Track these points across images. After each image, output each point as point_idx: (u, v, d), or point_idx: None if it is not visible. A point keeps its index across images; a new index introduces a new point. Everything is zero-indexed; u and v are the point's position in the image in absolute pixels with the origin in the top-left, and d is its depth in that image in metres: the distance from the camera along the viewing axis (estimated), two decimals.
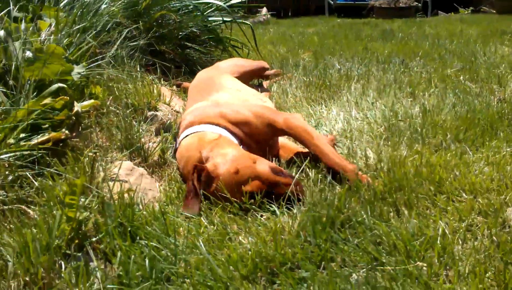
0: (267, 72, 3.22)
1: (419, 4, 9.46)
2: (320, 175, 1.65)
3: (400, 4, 9.10)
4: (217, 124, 1.74)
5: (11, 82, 1.70)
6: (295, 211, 1.42)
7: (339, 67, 3.43)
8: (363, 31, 6.10)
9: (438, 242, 1.21)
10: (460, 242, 1.24)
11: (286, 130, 1.76)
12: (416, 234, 1.26)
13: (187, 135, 1.74)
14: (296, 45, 4.94)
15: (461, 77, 2.93)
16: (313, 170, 1.70)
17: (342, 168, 1.61)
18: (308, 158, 1.75)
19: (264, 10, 9.03)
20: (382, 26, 6.52)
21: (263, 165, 1.53)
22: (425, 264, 1.14)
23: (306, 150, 1.82)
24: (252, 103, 2.00)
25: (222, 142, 1.64)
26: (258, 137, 1.78)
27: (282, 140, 1.98)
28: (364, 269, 1.17)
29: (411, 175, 1.53)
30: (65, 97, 1.57)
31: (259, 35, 5.16)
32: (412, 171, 1.56)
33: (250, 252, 1.23)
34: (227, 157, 1.55)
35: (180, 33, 3.22)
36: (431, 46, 4.34)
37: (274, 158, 1.80)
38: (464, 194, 1.45)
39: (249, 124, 1.76)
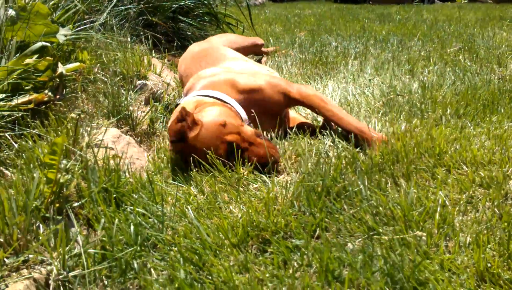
0: (264, 49, 3.15)
1: None
2: (330, 140, 1.62)
3: None
4: (227, 93, 1.67)
5: None
6: (288, 180, 1.36)
7: (335, 45, 3.35)
8: (361, 14, 6.01)
9: (438, 212, 1.16)
10: (461, 214, 1.19)
11: (299, 99, 1.74)
12: (414, 205, 1.20)
13: (193, 96, 1.67)
14: (292, 25, 4.84)
15: (461, 56, 2.87)
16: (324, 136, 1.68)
17: (360, 131, 1.62)
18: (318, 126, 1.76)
19: None
20: (379, 10, 6.43)
21: (248, 128, 1.54)
22: (424, 234, 1.08)
23: (310, 121, 1.82)
24: (264, 73, 1.94)
25: (217, 104, 1.58)
26: (270, 107, 1.72)
27: (290, 113, 1.92)
28: (360, 239, 1.11)
29: (410, 147, 1.47)
30: (49, 58, 1.48)
31: (254, 15, 5.05)
32: (412, 144, 1.50)
33: (241, 220, 1.17)
34: (216, 111, 1.53)
35: (174, 5, 3.11)
36: (429, 29, 4.27)
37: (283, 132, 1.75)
38: (464, 167, 1.40)
39: (262, 92, 1.71)
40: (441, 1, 9.59)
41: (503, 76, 2.36)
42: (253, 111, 1.67)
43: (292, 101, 1.75)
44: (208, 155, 1.45)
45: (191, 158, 1.47)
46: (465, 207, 1.21)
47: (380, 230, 1.12)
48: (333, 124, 1.73)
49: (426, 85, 2.18)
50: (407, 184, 1.32)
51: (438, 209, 1.17)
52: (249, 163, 1.46)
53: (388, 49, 3.16)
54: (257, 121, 1.62)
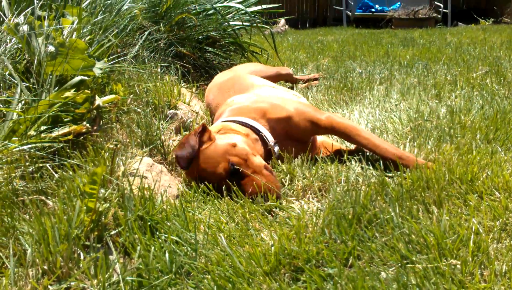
0: (299, 77, 3.19)
1: (439, 16, 9.38)
2: (359, 166, 1.62)
3: (419, 15, 9.02)
4: (255, 119, 1.72)
5: (33, 77, 1.70)
6: (318, 206, 1.38)
7: (360, 70, 3.38)
8: (383, 38, 6.04)
9: (472, 240, 1.15)
10: (495, 241, 1.17)
11: (329, 128, 1.74)
12: (447, 232, 1.19)
13: (222, 122, 1.74)
14: (315, 52, 4.91)
15: (488, 80, 2.85)
16: (356, 161, 1.70)
17: (398, 157, 1.60)
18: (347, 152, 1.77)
19: (282, 21, 9.07)
20: (402, 35, 6.45)
21: (259, 159, 1.55)
22: (458, 262, 1.07)
23: (344, 147, 1.85)
24: (292, 99, 1.97)
25: (240, 132, 1.62)
26: (297, 135, 1.75)
27: (323, 138, 1.94)
28: (393, 267, 1.11)
29: (441, 173, 1.47)
30: (87, 91, 1.55)
31: (277, 42, 5.15)
32: (443, 169, 1.49)
33: (273, 248, 1.19)
34: (234, 136, 1.59)
35: (200, 36, 3.22)
36: (454, 52, 4.26)
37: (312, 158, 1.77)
38: (497, 193, 1.38)
39: (289, 120, 1.75)
40: (464, 24, 9.55)
41: None
42: (281, 137, 1.71)
43: (321, 129, 1.75)
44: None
45: (197, 175, 1.53)
46: (499, 235, 1.20)
47: (414, 259, 1.11)
48: (368, 151, 1.72)
49: (454, 109, 2.17)
50: (439, 211, 1.31)
51: (472, 236, 1.16)
52: (249, 194, 1.46)
53: (413, 74, 3.17)
54: (287, 148, 1.66)
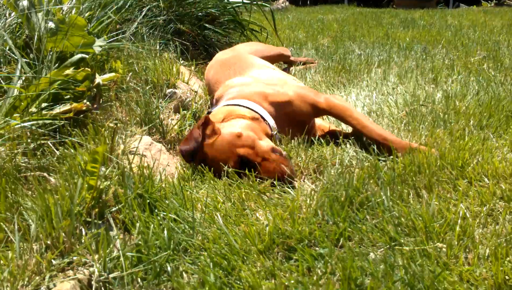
0: (294, 58, 3.20)
1: None
2: (353, 149, 1.66)
3: None
4: (258, 103, 1.74)
5: (33, 52, 1.71)
6: (312, 188, 1.42)
7: (359, 52, 3.38)
8: (384, 19, 6.00)
9: (458, 224, 1.20)
10: (481, 226, 1.22)
11: (327, 110, 1.78)
12: (436, 216, 1.24)
13: (224, 106, 1.75)
14: (315, 31, 4.88)
15: (485, 65, 2.87)
16: (347, 144, 1.73)
17: (383, 138, 1.66)
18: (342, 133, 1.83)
19: None
20: (403, 15, 6.40)
21: (266, 142, 1.57)
22: (444, 245, 1.12)
23: (338, 128, 1.88)
24: (292, 83, 2.00)
25: (246, 116, 1.64)
26: (298, 118, 1.78)
27: (320, 121, 1.98)
28: (382, 249, 1.16)
29: (432, 158, 1.51)
30: (87, 68, 1.57)
31: (277, 20, 5.12)
32: (435, 154, 1.53)
33: (267, 228, 1.23)
34: (238, 123, 1.60)
35: (200, 13, 3.20)
36: (454, 35, 4.26)
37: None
38: (486, 179, 1.43)
39: (291, 104, 1.78)
40: (466, 5, 9.47)
41: None
42: (282, 120, 1.74)
43: (320, 111, 1.80)
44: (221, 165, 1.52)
45: (206, 167, 1.55)
46: (486, 220, 1.24)
47: (402, 241, 1.16)
48: (358, 132, 1.77)
49: (450, 95, 2.20)
50: (429, 196, 1.36)
51: (459, 221, 1.21)
52: (265, 179, 1.49)
53: (411, 57, 3.18)
54: (284, 130, 1.69)
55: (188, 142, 1.56)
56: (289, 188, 1.46)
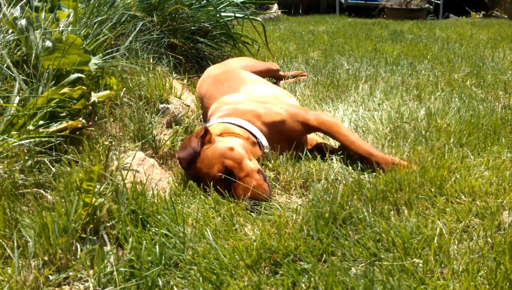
0: (283, 73, 3.27)
1: (431, 7, 9.45)
2: (338, 166, 1.74)
3: (411, 5, 9.10)
4: (251, 122, 1.82)
5: (30, 70, 1.76)
6: (299, 203, 1.48)
7: (347, 67, 3.47)
8: (374, 31, 6.12)
9: (435, 241, 1.27)
10: (456, 242, 1.29)
11: (317, 127, 1.86)
12: (414, 233, 1.31)
13: (219, 122, 1.82)
14: (306, 43, 4.98)
15: (468, 82, 2.97)
16: (334, 158, 1.82)
17: (369, 154, 1.74)
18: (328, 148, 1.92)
19: (275, 7, 9.07)
20: (392, 27, 6.53)
21: (254, 164, 1.64)
22: (421, 261, 1.19)
23: (326, 141, 1.99)
24: (283, 101, 2.07)
25: (241, 136, 1.71)
26: (290, 136, 1.85)
27: (310, 136, 2.05)
28: (363, 264, 1.22)
29: (413, 176, 1.59)
30: (83, 87, 1.63)
31: (269, 31, 5.21)
32: (415, 172, 1.61)
33: (255, 243, 1.29)
34: (233, 140, 1.68)
35: (192, 27, 3.28)
36: (440, 49, 4.37)
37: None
38: (463, 197, 1.50)
39: (284, 124, 1.86)
40: (455, 16, 9.65)
41: (507, 104, 2.45)
42: (274, 137, 1.82)
43: (311, 128, 1.88)
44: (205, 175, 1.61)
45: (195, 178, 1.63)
46: (461, 236, 1.32)
47: (382, 256, 1.23)
48: (346, 147, 1.85)
49: (432, 112, 2.28)
50: (409, 212, 1.43)
51: (436, 237, 1.28)
52: (241, 197, 1.55)
53: (398, 72, 3.28)
54: (276, 146, 1.77)
55: (184, 150, 1.63)
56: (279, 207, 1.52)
